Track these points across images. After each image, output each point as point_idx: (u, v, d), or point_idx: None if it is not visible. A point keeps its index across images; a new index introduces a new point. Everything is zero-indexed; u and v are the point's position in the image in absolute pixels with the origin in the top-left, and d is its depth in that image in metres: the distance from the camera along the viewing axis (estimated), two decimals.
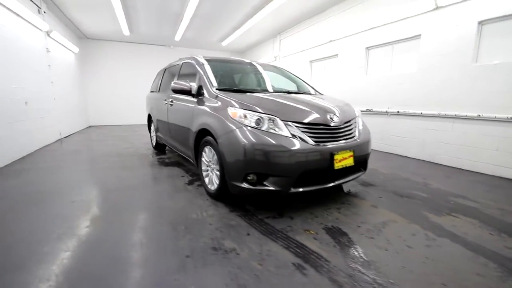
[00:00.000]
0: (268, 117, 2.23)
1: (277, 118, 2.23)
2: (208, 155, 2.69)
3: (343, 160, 2.35)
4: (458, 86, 3.90)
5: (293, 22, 7.67)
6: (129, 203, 2.56)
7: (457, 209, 2.51)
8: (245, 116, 2.24)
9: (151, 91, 5.41)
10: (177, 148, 3.69)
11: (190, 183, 3.21)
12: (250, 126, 2.20)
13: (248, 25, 7.62)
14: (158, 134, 4.67)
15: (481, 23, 3.60)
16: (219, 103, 2.53)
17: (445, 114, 4.08)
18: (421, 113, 4.42)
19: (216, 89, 2.75)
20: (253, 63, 3.76)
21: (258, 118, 2.22)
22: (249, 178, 2.18)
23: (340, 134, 2.44)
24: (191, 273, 1.54)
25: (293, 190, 2.21)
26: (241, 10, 6.70)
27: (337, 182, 2.44)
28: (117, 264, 1.61)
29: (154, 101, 4.74)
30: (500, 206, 2.60)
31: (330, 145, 2.31)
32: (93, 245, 1.81)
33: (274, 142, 2.12)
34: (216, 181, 2.58)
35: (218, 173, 2.51)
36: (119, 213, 2.33)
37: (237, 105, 2.35)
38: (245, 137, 2.16)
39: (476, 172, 3.78)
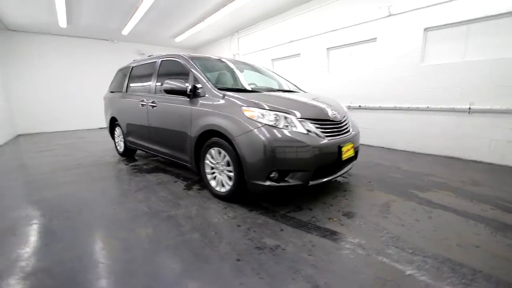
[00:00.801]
0: (284, 115, 2.29)
1: (292, 115, 2.31)
2: (215, 157, 2.61)
3: (347, 151, 2.58)
4: (410, 83, 4.60)
5: (253, 21, 7.79)
6: (133, 218, 2.31)
7: (433, 185, 3.00)
8: (262, 115, 2.26)
9: (112, 91, 4.86)
10: (163, 153, 3.44)
11: (188, 188, 3.04)
12: (268, 125, 2.22)
13: (207, 22, 7.43)
14: (129, 138, 4.24)
15: (426, 29, 4.32)
16: (228, 102, 2.48)
17: (400, 107, 4.77)
18: (380, 106, 5.07)
19: (219, 89, 2.67)
20: (237, 61, 3.74)
21: (275, 116, 2.27)
22: (272, 175, 2.22)
23: (342, 128, 2.66)
24: (252, 275, 1.52)
25: (311, 183, 2.33)
26: (203, 6, 6.49)
27: (342, 172, 2.67)
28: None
29: (122, 103, 4.28)
30: (459, 179, 3.21)
31: (337, 138, 2.50)
32: (127, 278, 1.61)
33: (295, 139, 2.21)
34: (228, 182, 2.52)
35: (231, 174, 2.46)
36: (131, 231, 2.09)
37: (251, 104, 2.34)
38: (267, 136, 2.18)
39: (427, 154, 4.55)
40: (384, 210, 2.38)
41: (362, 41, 5.27)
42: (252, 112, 2.29)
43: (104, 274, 1.55)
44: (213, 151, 2.61)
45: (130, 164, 4.20)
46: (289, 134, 2.21)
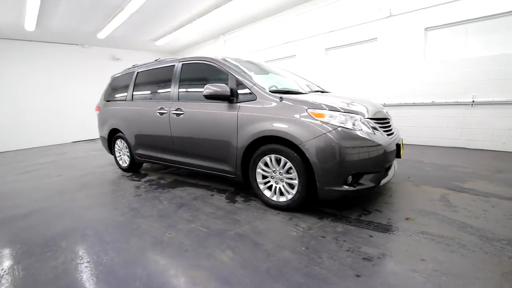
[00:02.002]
0: (350, 116, 2.21)
1: (359, 115, 2.24)
2: (271, 165, 2.43)
3: (402, 149, 2.58)
4: (414, 80, 4.84)
5: (243, 23, 7.64)
6: (199, 241, 2.03)
7: (466, 176, 3.15)
8: (332, 117, 2.15)
9: (108, 100, 4.36)
10: (192, 165, 3.13)
11: (231, 200, 2.80)
12: (340, 126, 2.12)
13: (195, 24, 7.11)
14: (139, 151, 3.81)
15: (426, 29, 4.59)
16: (287, 105, 2.32)
17: (405, 103, 5.00)
18: (384, 103, 5.26)
19: (271, 91, 2.50)
20: (264, 63, 3.58)
21: (345, 117, 2.17)
22: (348, 180, 2.11)
23: (391, 127, 2.66)
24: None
25: (381, 183, 2.28)
26: (192, 9, 6.18)
27: (395, 170, 2.67)
28: None
29: (127, 112, 3.84)
30: (483, 168, 3.42)
31: (393, 136, 2.49)
32: None
33: (367, 139, 2.14)
34: (290, 191, 2.36)
35: (294, 181, 2.30)
36: (210, 257, 1.83)
37: (319, 106, 2.22)
38: (342, 139, 2.08)
39: (434, 146, 4.82)
40: (447, 204, 2.42)
41: (363, 41, 5.44)
42: (321, 114, 2.17)
43: None
44: (268, 158, 2.43)
45: (143, 179, 3.78)
46: (361, 135, 2.14)
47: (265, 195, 2.53)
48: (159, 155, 3.55)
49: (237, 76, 2.66)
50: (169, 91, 3.29)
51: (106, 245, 2.02)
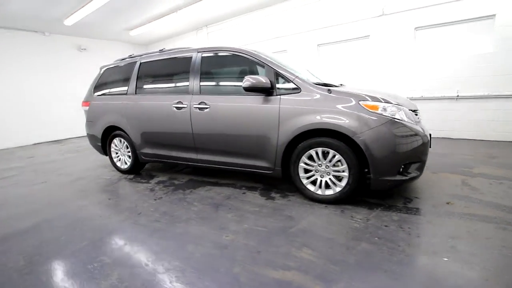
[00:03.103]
0: (399, 107, 2.28)
1: (405, 108, 2.32)
2: (316, 159, 2.39)
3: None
4: (405, 76, 5.19)
5: (229, 15, 7.38)
6: (261, 241, 1.92)
7: (470, 162, 3.47)
8: (385, 109, 2.19)
9: (100, 94, 3.89)
10: (217, 163, 2.94)
11: (268, 197, 2.71)
12: (393, 118, 2.17)
13: (179, 14, 6.68)
14: (146, 151, 3.46)
15: (416, 28, 4.94)
16: (337, 98, 2.29)
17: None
18: None
19: (314, 83, 2.45)
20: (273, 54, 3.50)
21: (396, 109, 2.23)
22: (401, 169, 2.19)
23: (419, 118, 2.81)
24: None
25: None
26: None
27: None
28: None
29: (131, 108, 3.45)
30: (478, 155, 3.81)
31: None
32: None
33: (415, 129, 2.23)
34: (339, 184, 2.35)
35: (343, 174, 2.30)
36: (290, 258, 1.74)
37: (371, 98, 2.24)
38: (397, 129, 2.14)
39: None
40: (471, 188, 2.64)
41: (355, 38, 5.66)
42: (375, 106, 2.19)
43: None
44: (314, 152, 2.39)
45: (152, 181, 3.45)
46: (410, 126, 2.22)
47: (308, 189, 2.50)
48: (173, 153, 3.27)
49: (275, 68, 2.55)
50: (187, 84, 3.04)
51: (167, 257, 1.80)
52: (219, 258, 1.73)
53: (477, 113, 4.62)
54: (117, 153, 3.90)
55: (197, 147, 3.05)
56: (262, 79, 2.42)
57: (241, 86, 2.50)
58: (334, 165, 2.35)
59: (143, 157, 3.57)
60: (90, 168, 4.37)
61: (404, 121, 2.21)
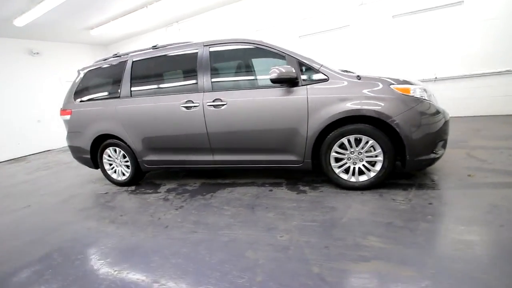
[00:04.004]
0: (424, 89, 2.35)
1: (427, 89, 2.40)
2: (348, 147, 2.37)
3: None
4: (384, 62, 5.46)
5: (202, 10, 7.05)
6: (326, 236, 1.85)
7: (462, 136, 3.75)
8: (415, 91, 2.25)
9: (84, 100, 3.44)
10: (239, 162, 2.79)
11: (299, 191, 2.63)
12: (423, 99, 2.24)
13: (149, 9, 6.20)
14: (150, 158, 3.14)
15: (394, 16, 5.21)
16: (367, 83, 2.30)
17: None
18: None
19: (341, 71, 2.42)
20: None
21: (423, 90, 2.30)
22: (435, 148, 2.27)
23: None
24: None
25: None
26: None
27: None
28: None
29: (129, 111, 3.08)
30: (464, 130, 4.16)
31: None
32: None
33: (440, 108, 2.33)
34: (373, 169, 2.37)
35: (377, 159, 2.32)
36: (366, 249, 1.69)
37: (399, 82, 2.28)
38: (428, 110, 2.22)
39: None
40: (479, 159, 2.86)
41: (335, 28, 5.80)
42: (406, 89, 2.23)
43: None
44: (346, 140, 2.37)
45: (161, 191, 3.16)
46: (436, 105, 2.31)
47: (342, 178, 2.48)
48: (183, 157, 3.02)
49: (298, 58, 2.47)
50: (195, 81, 2.80)
51: (233, 269, 1.63)
52: (289, 261, 1.62)
53: (454, 92, 5.05)
54: (111, 165, 3.49)
55: (213, 148, 2.84)
56: (290, 69, 2.32)
57: (268, 77, 2.38)
58: (368, 151, 2.36)
59: (146, 165, 3.24)
60: (76, 185, 3.87)
61: (432, 101, 2.30)
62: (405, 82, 2.31)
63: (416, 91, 2.25)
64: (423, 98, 2.24)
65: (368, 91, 2.28)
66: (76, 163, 5.23)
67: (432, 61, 5.10)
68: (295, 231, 1.94)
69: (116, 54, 3.47)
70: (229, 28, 7.04)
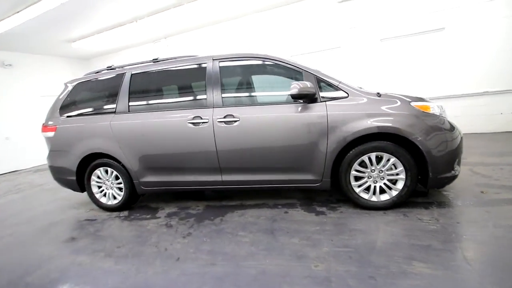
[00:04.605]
0: (441, 106, 2.37)
1: (442, 106, 2.43)
2: (372, 164, 2.30)
3: None
4: (372, 81, 5.68)
5: (191, 28, 7.01)
6: (365, 263, 1.69)
7: None
8: (434, 108, 2.26)
9: (72, 116, 3.10)
10: (252, 182, 2.59)
11: (316, 212, 2.47)
12: (442, 116, 2.25)
13: (139, 24, 6.03)
14: (148, 179, 2.84)
15: (382, 40, 5.50)
16: (387, 100, 2.28)
17: None
18: None
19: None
20: None
21: (441, 107, 2.32)
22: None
23: None
24: None
25: None
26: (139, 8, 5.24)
27: None
28: None
29: (129, 128, 2.79)
30: None
31: None
32: None
33: (456, 125, 2.35)
34: (394, 187, 2.30)
35: (399, 176, 2.26)
36: (415, 276, 1.55)
37: (417, 99, 2.29)
38: (448, 127, 2.24)
39: None
40: (483, 176, 2.92)
41: (327, 49, 5.99)
42: (426, 107, 2.24)
43: None
44: (367, 158, 2.30)
45: (160, 216, 2.84)
46: (454, 123, 2.34)
47: (362, 197, 2.38)
48: (188, 178, 2.77)
49: (316, 74, 2.42)
50: (204, 97, 2.63)
51: None
52: None
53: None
54: (100, 187, 3.12)
55: (223, 167, 2.63)
56: (309, 84, 2.25)
57: (283, 94, 2.32)
58: (390, 169, 2.30)
59: (143, 187, 2.92)
60: (55, 210, 3.39)
61: (447, 118, 2.32)
62: (423, 100, 2.33)
63: (435, 109, 2.27)
64: (442, 115, 2.26)
65: (389, 108, 2.25)
66: (51, 185, 4.78)
67: (419, 82, 5.39)
68: (329, 259, 1.76)
69: (110, 67, 3.22)
70: (218, 46, 7.04)
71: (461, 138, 2.38)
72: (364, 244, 1.89)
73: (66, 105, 3.19)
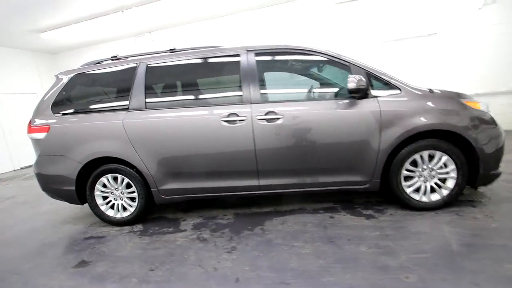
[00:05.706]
0: (486, 103, 2.37)
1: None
2: (420, 163, 2.22)
3: None
4: None
5: (179, 23, 6.56)
6: (450, 268, 1.56)
7: None
8: (483, 105, 2.25)
9: (70, 113, 2.61)
10: (294, 185, 2.37)
11: (366, 216, 2.32)
12: (489, 113, 2.24)
13: (125, 14, 5.46)
14: (169, 186, 2.47)
15: (383, 42, 5.63)
16: (437, 97, 2.22)
17: None
18: None
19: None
20: None
21: (487, 104, 2.31)
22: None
23: None
24: None
25: None
26: None
27: None
28: None
29: (148, 128, 2.40)
30: None
31: None
32: None
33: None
34: (445, 186, 2.24)
35: (450, 175, 2.20)
36: None
37: (467, 96, 2.26)
38: (495, 124, 2.22)
39: None
40: (509, 172, 3.03)
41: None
42: (476, 104, 2.22)
43: None
44: (418, 156, 2.21)
45: (184, 228, 2.48)
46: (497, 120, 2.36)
47: (413, 198, 2.28)
48: (219, 183, 2.44)
49: (366, 69, 2.28)
50: (240, 92, 2.35)
51: None
52: None
53: None
54: (105, 198, 2.65)
55: (261, 170, 2.37)
56: (363, 79, 2.10)
57: (345, 87, 2.16)
58: (440, 168, 2.24)
59: (163, 196, 2.53)
60: (44, 228, 2.83)
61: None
62: (471, 97, 2.31)
63: (483, 106, 2.27)
64: (489, 113, 2.27)
65: (442, 105, 2.20)
66: (23, 197, 4.08)
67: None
68: (415, 268, 1.61)
69: (115, 57, 2.77)
70: (210, 42, 6.68)
71: (505, 135, 2.42)
72: (439, 247, 1.78)
73: (61, 101, 2.67)
